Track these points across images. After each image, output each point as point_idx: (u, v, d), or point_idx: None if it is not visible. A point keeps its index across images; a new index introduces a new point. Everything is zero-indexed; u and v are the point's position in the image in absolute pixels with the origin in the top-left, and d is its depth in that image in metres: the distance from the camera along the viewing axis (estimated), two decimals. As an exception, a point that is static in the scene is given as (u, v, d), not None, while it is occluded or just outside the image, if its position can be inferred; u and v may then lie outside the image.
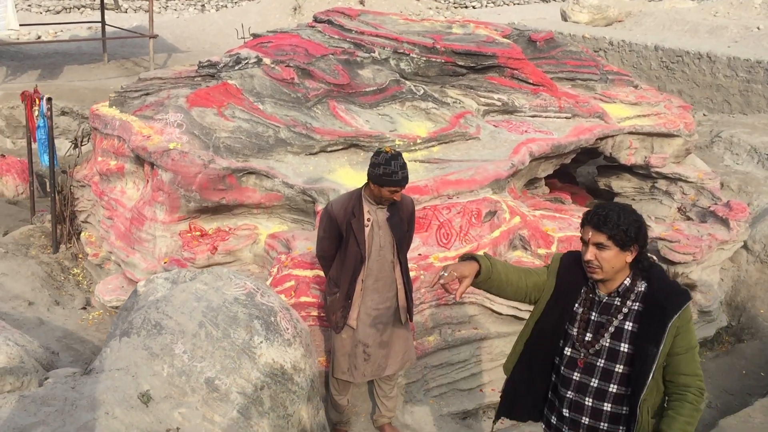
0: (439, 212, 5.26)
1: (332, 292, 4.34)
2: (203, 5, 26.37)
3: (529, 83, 7.70)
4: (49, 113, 7.40)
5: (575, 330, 2.99)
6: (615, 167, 8.48)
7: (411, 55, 7.70)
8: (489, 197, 5.56)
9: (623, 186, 8.38)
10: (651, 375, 2.81)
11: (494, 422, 3.47)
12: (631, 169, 8.24)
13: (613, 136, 7.74)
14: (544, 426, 3.21)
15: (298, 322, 3.58)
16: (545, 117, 7.50)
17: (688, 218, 7.64)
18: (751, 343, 6.54)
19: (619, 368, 2.90)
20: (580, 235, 2.92)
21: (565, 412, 3.01)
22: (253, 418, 3.13)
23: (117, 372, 3.15)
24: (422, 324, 4.94)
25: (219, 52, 17.64)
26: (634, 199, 8.34)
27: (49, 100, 7.43)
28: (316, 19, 9.29)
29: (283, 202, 5.95)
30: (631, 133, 7.87)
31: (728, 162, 9.98)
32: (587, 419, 2.98)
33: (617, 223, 2.79)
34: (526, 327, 3.16)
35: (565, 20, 18.44)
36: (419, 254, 5.02)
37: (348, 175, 6.00)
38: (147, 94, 6.94)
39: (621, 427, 2.93)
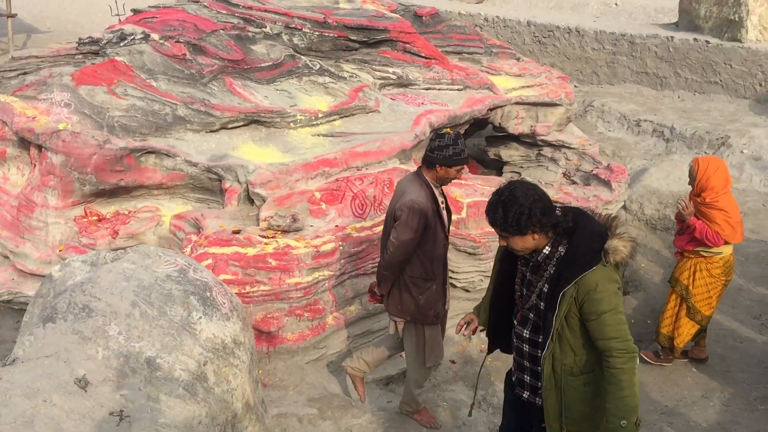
0: (352, 183, 5.29)
1: (425, 286, 4.14)
2: (59, -17, 24.74)
3: (422, 56, 7.84)
4: None
5: (516, 286, 3.22)
6: (503, 137, 8.82)
7: (303, 30, 7.62)
8: (399, 167, 5.65)
9: (511, 155, 8.73)
10: (550, 336, 3.00)
11: (487, 354, 3.65)
12: (518, 138, 8.59)
13: (501, 106, 8.04)
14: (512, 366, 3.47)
15: (232, 296, 3.51)
16: (438, 89, 7.67)
17: (573, 182, 8.07)
18: (636, 294, 7.04)
19: (538, 322, 3.14)
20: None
21: (514, 354, 3.34)
22: (200, 394, 3.05)
23: (46, 359, 2.97)
24: (343, 294, 4.97)
25: (83, 31, 16.63)
26: (522, 167, 8.73)
27: None
28: (197, -6, 8.99)
29: (186, 182, 5.76)
30: (517, 103, 8.21)
31: (601, 129, 10.64)
32: (527, 363, 3.25)
33: (504, 218, 2.94)
34: (492, 275, 3.40)
35: (438, -2, 18.83)
36: (336, 225, 5.02)
37: (252, 151, 5.89)
38: (25, 74, 6.46)
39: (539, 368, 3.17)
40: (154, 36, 6.78)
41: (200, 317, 3.20)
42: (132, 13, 8.37)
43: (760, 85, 10.09)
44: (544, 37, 13.16)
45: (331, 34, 7.67)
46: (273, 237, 4.84)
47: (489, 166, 9.01)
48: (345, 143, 5.96)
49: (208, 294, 3.33)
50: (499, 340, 3.47)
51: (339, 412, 4.33)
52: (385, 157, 5.70)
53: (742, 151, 8.77)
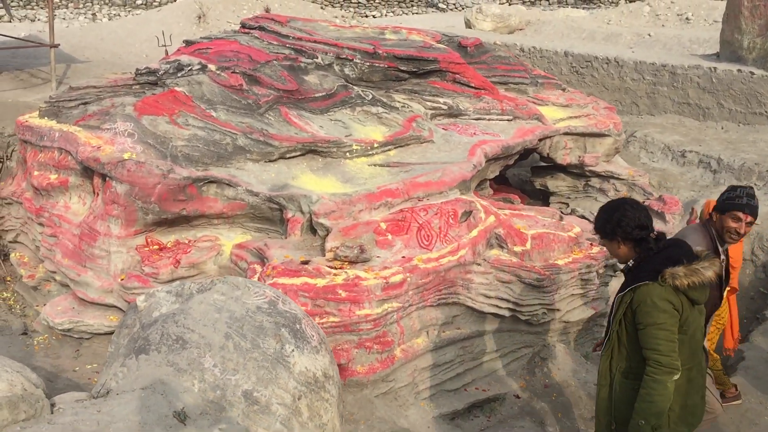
0: (417, 214, 5.26)
1: None
2: (94, 14, 25.30)
3: (472, 87, 7.85)
4: (-30, 126, 6.84)
5: None
6: (549, 168, 8.79)
7: (354, 60, 7.68)
8: (462, 198, 5.61)
9: (558, 185, 8.68)
10: (608, 336, 3.46)
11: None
12: (565, 169, 8.54)
13: (550, 137, 8.01)
14: None
15: (319, 329, 3.48)
16: (488, 120, 7.66)
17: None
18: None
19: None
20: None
21: None
22: (295, 429, 3.00)
23: (142, 392, 2.94)
24: (410, 326, 4.91)
25: (121, 61, 16.94)
26: (569, 197, 8.67)
27: (-30, 111, 6.86)
28: (244, 26, 9.11)
29: (246, 211, 5.76)
30: (566, 134, 8.17)
31: (644, 160, 10.56)
32: None
33: (599, 219, 3.51)
34: None
35: (470, 28, 18.98)
36: (403, 257, 4.98)
37: (312, 180, 5.90)
38: (85, 103, 6.55)
39: None
40: (211, 67, 6.86)
41: (293, 350, 3.17)
42: (184, 45, 8.51)
43: (808, 116, 9.98)
44: (582, 68, 13.16)
45: (382, 65, 7.72)
46: (341, 268, 4.82)
47: (533, 197, 8.96)
48: (404, 173, 5.94)
49: (298, 326, 3.29)
50: None
51: (413, 448, 4.26)
52: (446, 188, 5.68)
53: (794, 183, 8.65)
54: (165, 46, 11.63)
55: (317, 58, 7.62)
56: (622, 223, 3.37)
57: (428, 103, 7.55)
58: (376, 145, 6.47)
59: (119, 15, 25.16)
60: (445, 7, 30.45)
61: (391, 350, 4.75)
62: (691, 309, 3.28)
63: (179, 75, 6.77)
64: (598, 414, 3.52)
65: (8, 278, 7.05)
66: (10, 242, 7.14)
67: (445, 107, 7.55)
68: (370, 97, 7.18)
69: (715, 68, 11.04)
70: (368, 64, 7.69)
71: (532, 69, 9.46)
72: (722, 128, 10.89)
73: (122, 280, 5.59)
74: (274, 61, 7.27)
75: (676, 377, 3.23)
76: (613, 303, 3.48)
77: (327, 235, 5.30)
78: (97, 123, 5.99)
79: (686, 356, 3.32)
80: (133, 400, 2.89)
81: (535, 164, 9.21)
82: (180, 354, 3.08)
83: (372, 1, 29.96)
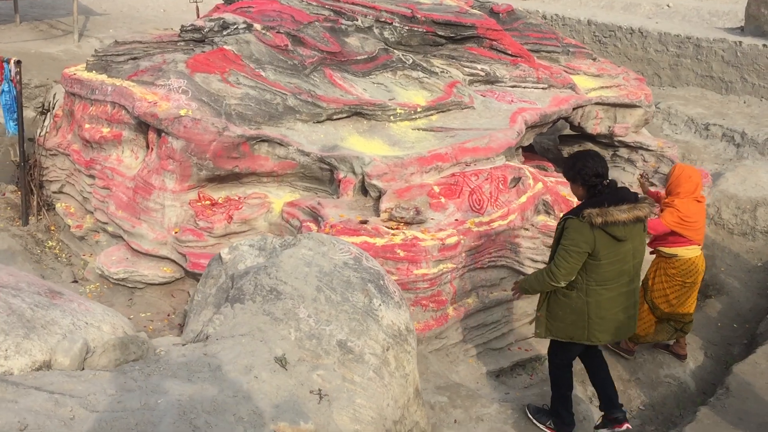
0: (468, 179, 5.42)
1: None
2: (106, -35, 24.96)
3: (509, 54, 7.94)
4: (17, 77, 6.93)
5: None
6: (577, 137, 8.92)
7: (393, 24, 7.74)
8: (510, 164, 5.77)
9: (586, 154, 8.80)
10: (551, 255, 4.15)
11: None
12: (593, 138, 8.67)
13: (583, 106, 8.12)
14: None
15: (397, 286, 3.66)
16: (524, 87, 7.77)
17: (652, 184, 8.15)
18: (719, 298, 7.12)
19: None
20: None
21: None
22: (385, 378, 3.20)
23: (243, 338, 3.13)
24: (462, 287, 5.11)
25: (138, 14, 16.86)
26: (596, 167, 8.80)
27: (18, 62, 6.95)
28: (279, -16, 9.12)
29: (296, 170, 5.91)
30: (597, 103, 8.28)
31: (668, 132, 10.69)
32: None
33: (564, 167, 4.18)
34: None
35: (487, -7, 18.84)
36: (456, 219, 5.16)
37: (360, 142, 6.03)
38: (134, 59, 6.64)
39: None
40: (257, 26, 6.93)
41: (380, 304, 3.35)
42: (224, 2, 8.54)
43: (831, 93, 10.09)
44: (605, 37, 13.19)
45: (420, 29, 7.79)
46: (397, 228, 4.99)
47: (559, 165, 9.09)
48: (450, 138, 6.08)
49: (382, 282, 3.47)
50: None
51: (468, 402, 4.47)
52: (493, 154, 5.82)
53: (817, 159, 8.80)
54: (196, 2, 11.60)
55: (357, 20, 7.68)
56: (582, 171, 4.02)
57: (466, 69, 7.64)
58: (419, 110, 6.59)
59: (131, -33, 24.83)
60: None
61: (445, 309, 4.95)
62: (612, 242, 3.96)
63: (224, 33, 6.84)
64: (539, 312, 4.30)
65: (52, 227, 7.20)
66: (54, 192, 7.28)
67: (482, 74, 7.65)
68: (411, 61, 7.27)
69: (740, 42, 11.10)
70: (407, 28, 7.75)
71: (563, 37, 9.52)
72: (744, 102, 11.00)
73: (176, 233, 5.75)
74: (316, 22, 7.34)
75: (557, 286, 4.08)
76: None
77: (379, 196, 5.46)
78: (151, 79, 6.09)
79: (605, 278, 4.05)
80: (236, 345, 3.08)
81: (561, 133, 9.35)
82: (275, 304, 3.26)
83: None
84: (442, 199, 5.25)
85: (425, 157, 5.60)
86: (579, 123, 8.38)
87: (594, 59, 9.22)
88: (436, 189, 5.31)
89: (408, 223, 5.02)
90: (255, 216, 5.83)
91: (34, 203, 7.25)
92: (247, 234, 5.81)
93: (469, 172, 5.52)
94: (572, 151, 8.87)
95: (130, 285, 5.92)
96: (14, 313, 2.91)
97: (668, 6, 17.74)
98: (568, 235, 3.98)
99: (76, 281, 6.39)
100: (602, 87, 8.54)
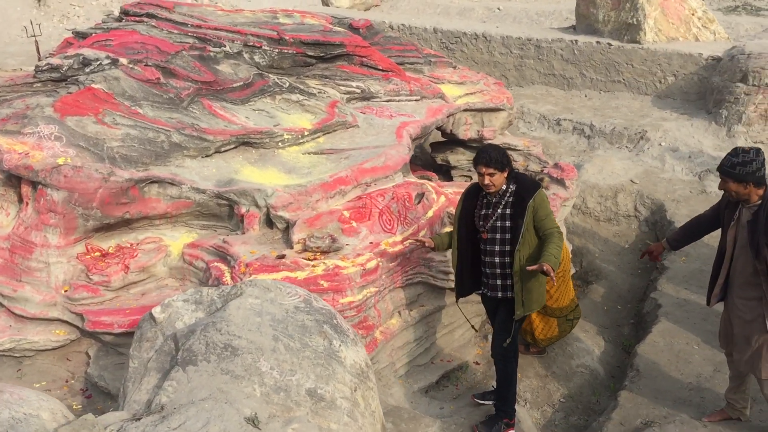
0: (375, 200, 5.42)
1: None
2: None
3: (380, 69, 8.05)
4: None
5: (478, 222, 4.71)
6: (447, 143, 9.21)
7: (262, 47, 7.61)
8: (411, 181, 5.84)
9: (459, 159, 9.12)
10: (521, 235, 4.48)
11: (456, 302, 5.07)
12: (464, 143, 9.00)
13: (453, 114, 8.40)
14: (481, 289, 4.92)
15: (346, 321, 3.59)
16: (398, 101, 7.91)
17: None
18: (599, 283, 7.63)
19: (507, 237, 4.61)
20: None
21: (487, 269, 4.74)
22: (359, 420, 3.12)
23: (205, 403, 2.93)
24: (385, 309, 5.10)
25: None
26: (470, 170, 9.14)
27: None
28: (129, 13, 8.68)
29: (192, 209, 5.64)
30: (465, 110, 8.60)
31: (524, 129, 11.31)
32: (499, 270, 4.69)
33: (497, 158, 4.50)
34: (454, 239, 4.82)
35: (327, 5, 19.04)
36: (370, 242, 5.14)
37: (255, 173, 5.87)
38: (-11, 106, 6.04)
39: (509, 278, 4.64)
40: (123, 60, 6.54)
41: (340, 344, 3.27)
42: (74, 36, 8.00)
43: (660, 82, 11.13)
44: (452, 43, 13.72)
45: (290, 51, 7.71)
46: (314, 259, 4.90)
47: (438, 171, 9.35)
48: (345, 160, 6.06)
49: (335, 321, 3.39)
50: (462, 288, 4.92)
51: (412, 424, 4.48)
52: (391, 172, 5.87)
53: (660, 144, 9.68)
54: (35, 36, 10.73)
55: (225, 46, 7.47)
56: (508, 155, 4.62)
57: (342, 88, 7.66)
58: (306, 133, 6.52)
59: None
60: (290, -18, 30.11)
61: (373, 334, 4.92)
62: None
63: (87, 70, 6.40)
64: (517, 294, 4.57)
65: None
66: None
67: (358, 91, 7.69)
68: (287, 84, 7.18)
69: (576, 41, 11.97)
70: (277, 50, 7.65)
71: (422, 48, 9.79)
72: (586, 96, 11.87)
73: (66, 291, 5.30)
74: (183, 52, 7.05)
75: None
76: (513, 215, 4.56)
77: (287, 227, 5.34)
78: (16, 127, 5.56)
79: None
80: (201, 412, 2.89)
81: (433, 141, 9.61)
82: (233, 361, 3.09)
83: (214, -22, 29.08)
84: (354, 224, 5.22)
85: (328, 183, 5.54)
86: (451, 130, 8.66)
87: (454, 67, 9.56)
88: (346, 214, 5.28)
89: (324, 252, 4.95)
90: (153, 262, 5.51)
91: None
92: (146, 282, 5.48)
93: (374, 192, 5.53)
94: (446, 157, 9.15)
95: (17, 354, 5.38)
96: (-53, 420, 2.55)
97: (499, 9, 18.80)
98: (547, 202, 4.57)
99: (-51, 358, 5.71)
100: (467, 94, 8.86)
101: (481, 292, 4.95)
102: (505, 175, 4.58)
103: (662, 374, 5.23)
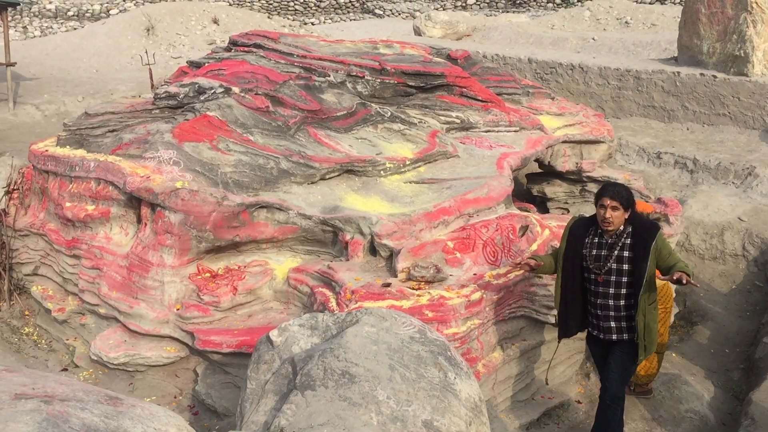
0: (479, 231, 5.42)
1: None
2: (25, 27, 24.30)
3: (479, 100, 8.07)
4: (-17, 157, 6.57)
5: (589, 265, 4.52)
6: (544, 174, 9.12)
7: (365, 77, 7.78)
8: (515, 213, 5.82)
9: (555, 191, 9.01)
10: (644, 279, 4.32)
11: (559, 342, 4.99)
12: (561, 175, 8.89)
13: (552, 145, 8.32)
14: (588, 329, 4.81)
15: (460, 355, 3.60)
16: (497, 132, 7.90)
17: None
18: (705, 324, 7.33)
19: (624, 280, 4.45)
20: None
21: (598, 311, 4.57)
22: (473, 454, 3.12)
23: (323, 428, 2.99)
24: (488, 342, 5.07)
25: (72, 77, 16.42)
26: (567, 203, 9.02)
27: (-17, 142, 6.59)
28: (237, 43, 9.06)
29: (297, 235, 5.79)
30: (564, 142, 8.51)
31: (621, 162, 11.06)
32: (612, 313, 4.54)
33: (624, 194, 4.40)
34: (558, 277, 4.70)
35: (419, 35, 19.31)
36: (474, 274, 5.14)
37: (359, 201, 5.97)
38: (113, 131, 6.41)
39: (624, 321, 4.52)
40: (235, 89, 6.82)
41: (455, 377, 3.28)
42: (189, 65, 8.40)
43: (769, 116, 10.68)
44: (546, 74, 13.62)
45: (391, 81, 7.86)
46: (418, 288, 4.93)
47: (533, 203, 9.25)
48: (447, 190, 6.09)
49: (449, 353, 3.40)
50: (567, 329, 4.80)
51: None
52: (494, 203, 5.86)
53: (770, 181, 9.26)
54: (149, 65, 11.35)
55: (329, 76, 7.68)
56: (634, 199, 4.49)
57: (441, 118, 7.72)
58: (408, 162, 6.59)
59: (51, 28, 24.26)
60: (381, 13, 30.74)
61: (476, 367, 4.89)
62: None
63: (202, 99, 6.71)
64: (641, 338, 4.46)
65: (27, 312, 6.81)
66: (26, 275, 6.89)
67: (458, 121, 7.74)
68: (389, 114, 7.29)
69: (678, 72, 11.66)
70: (379, 80, 7.81)
71: (520, 79, 9.77)
72: (688, 129, 11.52)
73: (178, 309, 5.52)
74: (290, 81, 7.29)
75: None
76: (635, 258, 4.39)
77: (390, 255, 5.40)
78: (138, 152, 5.88)
79: None
80: (321, 437, 2.94)
81: (529, 172, 9.53)
82: (350, 388, 3.14)
83: (309, 9, 29.99)
84: (458, 254, 5.23)
85: (432, 213, 5.58)
86: (549, 162, 8.58)
87: (552, 98, 9.49)
88: (450, 244, 5.29)
89: (429, 282, 4.97)
90: (259, 285, 5.67)
91: (5, 287, 6.84)
92: (252, 304, 5.64)
93: (478, 224, 5.53)
94: (542, 189, 9.07)
95: (130, 369, 5.62)
96: (90, 429, 2.69)
97: (594, 39, 18.55)
98: (666, 243, 4.45)
99: (66, 369, 6.03)
100: (566, 125, 8.78)
101: (588, 332, 4.82)
102: (627, 215, 4.43)
103: (779, 424, 4.96)
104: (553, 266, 4.79)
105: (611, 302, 4.53)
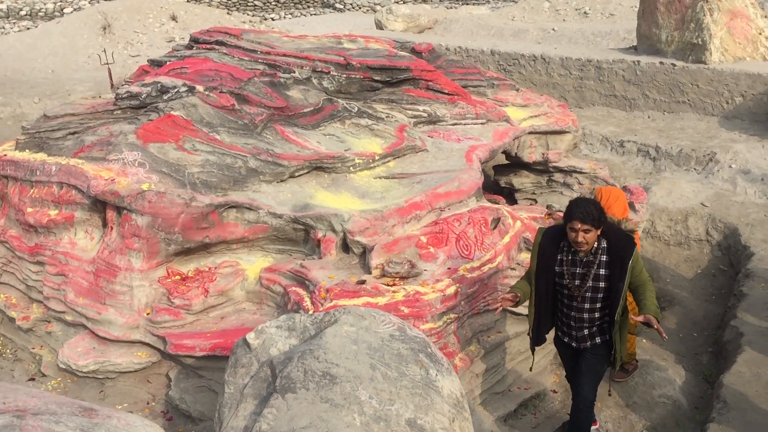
0: (452, 225, 5.41)
1: None
2: (-24, 28, 23.65)
3: (445, 93, 8.06)
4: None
5: (567, 283, 4.40)
6: (511, 166, 9.16)
7: (330, 72, 7.71)
8: (486, 206, 5.82)
9: (522, 182, 9.06)
10: (621, 297, 4.30)
11: (533, 352, 4.87)
12: (528, 166, 8.93)
13: (519, 137, 8.35)
14: (557, 333, 4.78)
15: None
16: (464, 124, 7.90)
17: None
18: (672, 310, 7.44)
19: (600, 296, 4.39)
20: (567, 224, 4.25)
21: (571, 322, 4.54)
22: (458, 451, 3.10)
23: (305, 431, 2.95)
24: (464, 335, 5.07)
25: (27, 79, 16.01)
26: (534, 193, 9.07)
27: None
28: (198, 41, 8.92)
29: (269, 234, 5.72)
30: (530, 133, 8.55)
31: (586, 151, 11.18)
32: (587, 325, 4.52)
33: (595, 215, 4.17)
34: (531, 295, 4.55)
35: (381, 29, 19.26)
36: (448, 268, 5.13)
37: (329, 198, 5.92)
38: (74, 133, 6.25)
39: (597, 327, 4.52)
40: (199, 88, 6.70)
41: (436, 374, 3.26)
42: (149, 64, 8.23)
43: (727, 102, 10.90)
44: (509, 65, 13.69)
45: (357, 76, 7.80)
46: (393, 284, 4.90)
47: (500, 194, 9.29)
48: (417, 184, 6.08)
49: (430, 350, 3.38)
50: (539, 338, 4.71)
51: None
52: (465, 197, 5.86)
53: (730, 166, 9.45)
54: (108, 64, 11.10)
55: (294, 72, 7.59)
56: (605, 214, 4.30)
57: (408, 112, 7.70)
58: (377, 158, 6.56)
59: (4, 28, 23.63)
60: (342, 7, 30.58)
61: (453, 360, 4.89)
62: None
63: (165, 98, 6.58)
64: (618, 349, 4.49)
65: (-11, 323, 6.61)
66: (-13, 284, 6.69)
67: (425, 115, 7.72)
68: (356, 109, 7.24)
69: (638, 61, 11.82)
70: (344, 75, 7.75)
71: (484, 71, 9.79)
72: (649, 117, 11.69)
73: (148, 314, 5.41)
74: (255, 78, 7.19)
75: None
76: (612, 277, 4.30)
77: (363, 252, 5.36)
78: (101, 154, 5.75)
79: None
80: (304, 441, 2.90)
81: (496, 163, 9.57)
82: (332, 389, 3.10)
83: (269, 4, 29.70)
84: (431, 249, 5.22)
85: (403, 208, 5.56)
86: (516, 153, 8.61)
87: (517, 90, 9.52)
88: (423, 239, 5.28)
89: (403, 278, 4.95)
90: (231, 286, 5.59)
91: (-34, 297, 6.63)
92: (224, 306, 5.56)
93: (450, 218, 5.52)
94: (510, 180, 9.11)
95: (100, 376, 5.50)
96: (66, 444, 2.61)
97: (554, 30, 18.70)
98: (640, 261, 4.36)
99: (33, 379, 5.87)
100: (531, 116, 8.81)
101: (557, 336, 4.78)
102: (599, 232, 4.23)
103: (751, 407, 5.05)
104: (529, 289, 4.58)
105: (586, 315, 4.48)
